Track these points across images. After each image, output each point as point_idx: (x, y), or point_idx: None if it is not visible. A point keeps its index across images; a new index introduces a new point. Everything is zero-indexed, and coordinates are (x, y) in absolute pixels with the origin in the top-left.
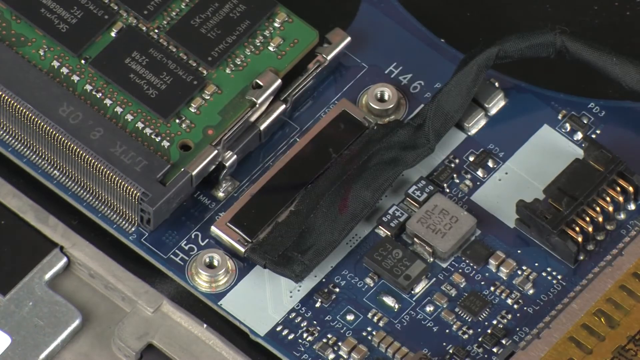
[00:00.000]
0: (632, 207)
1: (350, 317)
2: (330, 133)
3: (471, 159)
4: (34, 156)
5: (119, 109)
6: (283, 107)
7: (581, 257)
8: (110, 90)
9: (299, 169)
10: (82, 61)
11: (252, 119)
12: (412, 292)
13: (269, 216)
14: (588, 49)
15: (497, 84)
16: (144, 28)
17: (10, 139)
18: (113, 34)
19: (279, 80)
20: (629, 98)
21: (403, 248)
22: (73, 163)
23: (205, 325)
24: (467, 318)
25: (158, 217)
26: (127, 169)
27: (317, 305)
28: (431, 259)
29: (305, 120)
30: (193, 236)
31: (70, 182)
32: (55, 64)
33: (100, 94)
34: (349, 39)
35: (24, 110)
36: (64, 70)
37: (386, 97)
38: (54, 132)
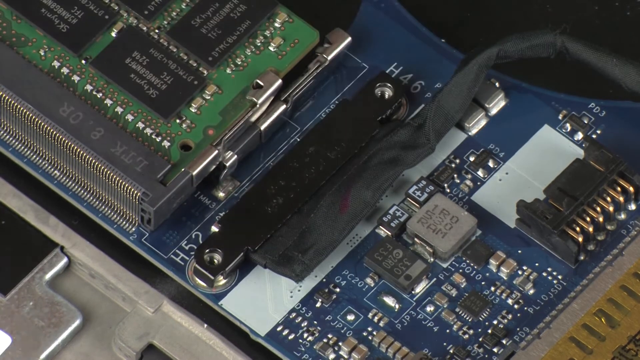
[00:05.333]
0: (632, 207)
1: (350, 317)
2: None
3: (472, 159)
4: (34, 156)
5: (119, 109)
6: (283, 107)
7: (582, 257)
8: (111, 90)
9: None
10: (83, 61)
11: (253, 119)
12: (413, 292)
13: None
14: (588, 50)
15: (497, 84)
16: (145, 28)
17: (10, 139)
18: (113, 34)
19: (280, 81)
20: (629, 98)
21: (403, 248)
22: (73, 163)
23: (205, 325)
24: (467, 318)
25: (158, 217)
26: (128, 169)
27: (318, 305)
28: (432, 259)
29: (305, 120)
30: (193, 236)
31: (70, 182)
32: (56, 64)
33: (101, 94)
34: (349, 39)
35: (25, 110)
36: (65, 70)
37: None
38: (55, 132)
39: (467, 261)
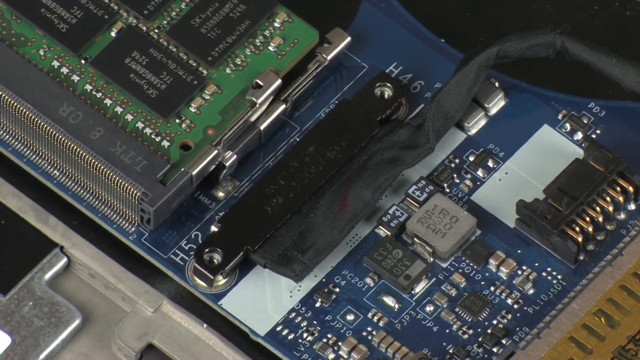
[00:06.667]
0: (632, 207)
1: (350, 317)
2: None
3: (471, 158)
4: (34, 156)
5: (119, 109)
6: (283, 107)
7: (581, 257)
8: (111, 90)
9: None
10: (82, 61)
11: (252, 119)
12: (412, 292)
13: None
14: (588, 50)
15: (497, 84)
16: (144, 28)
17: (10, 139)
18: (113, 34)
19: (279, 80)
20: (629, 98)
21: (403, 248)
22: (73, 163)
23: (205, 325)
24: (467, 318)
25: (158, 217)
26: (127, 169)
27: (317, 305)
28: (431, 259)
29: (305, 120)
30: (193, 236)
31: (70, 182)
32: (56, 63)
33: (101, 94)
34: (349, 39)
35: (24, 110)
36: (64, 70)
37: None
38: (54, 132)
39: (467, 261)
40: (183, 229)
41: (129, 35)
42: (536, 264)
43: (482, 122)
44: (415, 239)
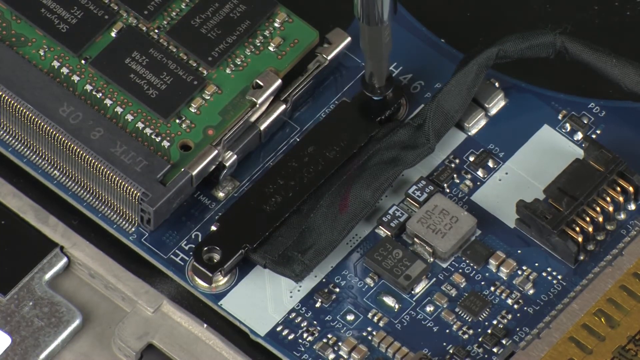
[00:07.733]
0: (632, 207)
1: (350, 317)
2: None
3: (471, 159)
4: (34, 156)
5: (119, 109)
6: (283, 107)
7: (581, 257)
8: (111, 90)
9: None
10: (82, 61)
11: (252, 119)
12: (412, 292)
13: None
14: (588, 50)
15: (497, 84)
16: (144, 28)
17: (10, 139)
18: (113, 34)
19: (279, 81)
20: (629, 98)
21: (403, 248)
22: (73, 163)
23: (205, 325)
24: (467, 318)
25: (158, 217)
26: (127, 169)
27: (317, 305)
28: (431, 259)
29: (305, 120)
30: (193, 236)
31: (70, 182)
32: (56, 64)
33: (101, 94)
34: (349, 39)
35: (24, 110)
36: (64, 70)
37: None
38: (54, 132)
39: (467, 261)
40: (183, 229)
41: (129, 35)
42: (536, 264)
43: (482, 122)
44: (415, 239)
